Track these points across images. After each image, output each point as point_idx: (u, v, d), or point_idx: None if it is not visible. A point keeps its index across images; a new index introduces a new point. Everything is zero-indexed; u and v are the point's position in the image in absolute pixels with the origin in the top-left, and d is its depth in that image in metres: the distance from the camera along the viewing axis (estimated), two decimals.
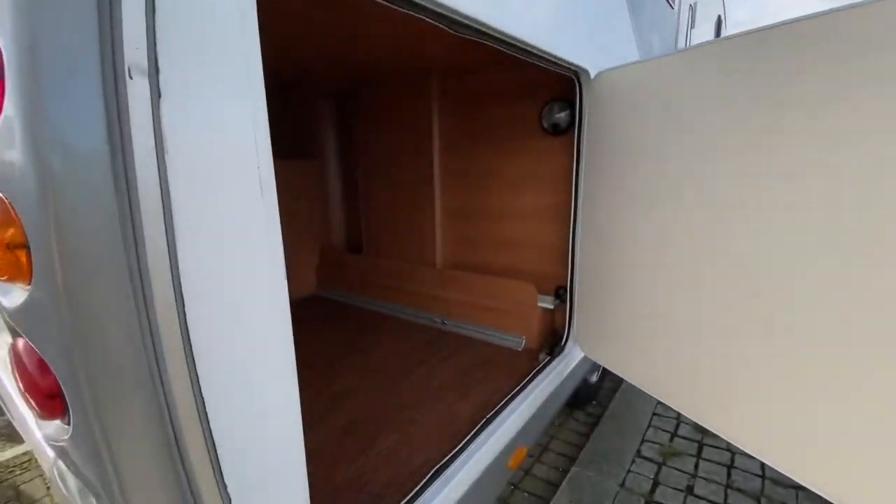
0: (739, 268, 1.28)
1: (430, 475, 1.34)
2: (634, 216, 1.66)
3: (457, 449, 1.47)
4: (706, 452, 2.49)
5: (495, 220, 2.53)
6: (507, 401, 1.73)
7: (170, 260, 0.60)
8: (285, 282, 0.75)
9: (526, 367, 2.08)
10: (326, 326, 2.65)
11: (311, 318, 2.81)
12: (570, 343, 2.13)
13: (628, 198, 1.69)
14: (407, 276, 2.78)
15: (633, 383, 1.81)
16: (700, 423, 1.55)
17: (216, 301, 0.66)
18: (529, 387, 1.84)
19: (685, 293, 1.48)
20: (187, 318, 0.62)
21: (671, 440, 2.62)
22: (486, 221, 2.57)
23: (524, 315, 2.28)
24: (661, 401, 1.70)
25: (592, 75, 1.81)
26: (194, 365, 0.64)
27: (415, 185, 2.67)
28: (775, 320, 1.21)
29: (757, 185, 1.22)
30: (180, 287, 0.61)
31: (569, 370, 2.08)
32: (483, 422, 1.59)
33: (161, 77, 0.57)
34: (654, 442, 2.61)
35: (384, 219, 2.91)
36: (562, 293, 2.25)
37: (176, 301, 0.61)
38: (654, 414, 2.87)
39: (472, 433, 1.54)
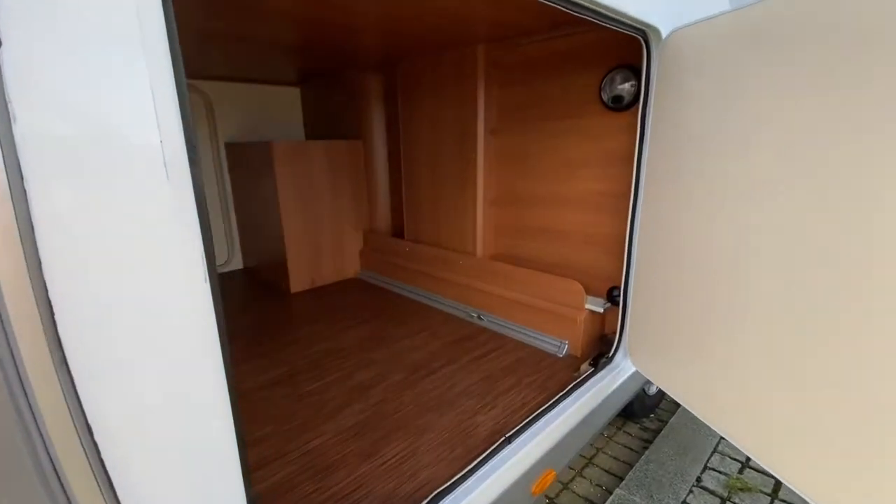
0: (865, 288, 0.95)
1: (430, 497, 1.19)
2: (712, 210, 1.34)
3: (468, 468, 1.30)
4: (784, 492, 2.10)
5: (544, 208, 2.26)
6: (535, 416, 1.52)
7: (26, 263, 0.47)
8: (206, 284, 0.61)
9: (565, 377, 1.83)
10: (360, 313, 2.58)
11: (346, 305, 2.75)
12: (619, 354, 1.85)
13: (704, 187, 1.36)
14: (446, 264, 2.61)
15: (693, 412, 1.50)
16: (776, 476, 1.23)
17: (98, 307, 0.52)
18: (564, 402, 1.61)
19: (775, 310, 1.15)
20: (58, 328, 0.50)
21: (741, 471, 2.25)
22: (534, 209, 2.30)
23: (569, 317, 2.02)
24: (728, 440, 1.39)
25: (664, 35, 1.47)
26: (72, 382, 0.51)
27: (456, 167, 2.47)
28: None
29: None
30: (46, 295, 0.48)
31: (615, 386, 1.81)
32: (502, 440, 1.39)
33: (0, 15, 0.43)
34: (718, 471, 2.25)
35: (425, 202, 2.75)
36: (616, 295, 1.95)
37: (40, 313, 0.48)
38: (722, 437, 2.49)
39: (488, 451, 1.35)
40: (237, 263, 3.52)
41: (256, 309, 2.67)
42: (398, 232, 3.14)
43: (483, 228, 2.47)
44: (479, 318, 2.38)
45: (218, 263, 3.40)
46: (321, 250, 3.04)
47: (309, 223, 2.94)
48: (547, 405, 1.57)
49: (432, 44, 2.21)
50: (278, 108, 3.54)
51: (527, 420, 1.49)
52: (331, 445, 1.45)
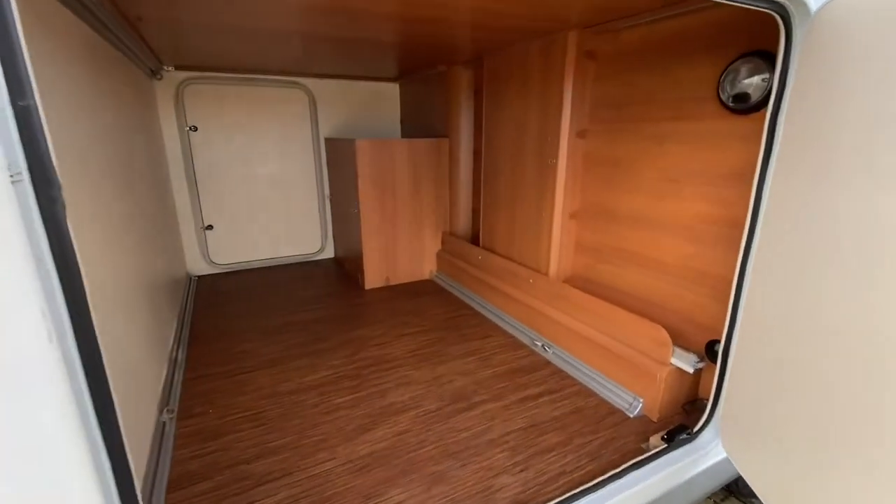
0: None
1: None
2: (871, 263, 0.90)
3: None
4: None
5: (634, 229, 1.86)
6: (572, 496, 1.23)
7: None
8: (54, 344, 0.51)
9: (629, 447, 1.48)
10: (421, 320, 2.47)
11: (411, 308, 2.67)
12: (708, 431, 1.42)
13: (862, 229, 0.92)
14: (516, 280, 2.35)
15: None
16: None
17: None
18: (616, 484, 1.27)
19: None
20: None
21: None
22: (622, 228, 1.92)
23: (648, 370, 1.63)
24: None
25: (813, 9, 1.02)
26: None
27: (535, 171, 2.17)
28: None
29: None
30: None
31: (695, 472, 1.39)
32: None
33: None
34: None
35: (501, 208, 2.50)
36: (717, 350, 1.51)
37: None
38: None
39: None
40: (329, 252, 3.70)
41: (330, 302, 2.74)
42: (477, 237, 2.95)
43: (559, 244, 2.14)
44: (543, 348, 2.09)
45: (312, 251, 3.62)
46: (398, 249, 3.01)
47: (387, 221, 2.91)
48: (591, 484, 1.26)
49: (520, 31, 1.94)
50: (378, 104, 3.59)
51: (559, 499, 1.21)
52: (338, 474, 1.36)
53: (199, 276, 3.23)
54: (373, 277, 2.97)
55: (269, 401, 1.73)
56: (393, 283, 3.05)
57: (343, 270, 3.38)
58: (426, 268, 3.16)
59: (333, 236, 3.64)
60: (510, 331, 2.30)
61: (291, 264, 3.53)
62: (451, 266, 2.99)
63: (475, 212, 3.04)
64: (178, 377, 1.89)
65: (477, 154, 2.91)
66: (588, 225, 2.08)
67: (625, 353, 1.72)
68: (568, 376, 1.90)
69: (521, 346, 2.16)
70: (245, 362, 2.02)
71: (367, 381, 1.87)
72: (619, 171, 1.89)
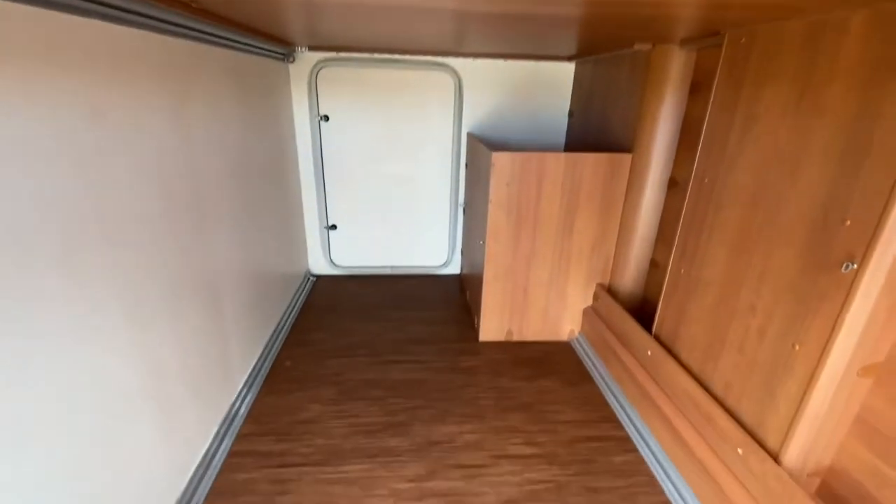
0: None
1: None
2: None
3: None
4: None
5: None
6: None
7: None
8: None
9: None
10: (537, 430, 1.71)
11: (530, 401, 1.91)
12: None
13: None
14: (707, 431, 1.38)
15: None
16: None
17: None
18: None
19: None
20: None
21: None
22: None
23: None
24: None
25: None
26: None
27: (799, 271, 1.13)
28: None
29: None
30: None
31: None
32: None
33: None
34: None
35: (706, 289, 1.50)
36: None
37: None
38: None
39: None
40: (454, 268, 3.13)
41: (432, 352, 2.19)
42: (650, 308, 1.98)
43: (822, 413, 1.10)
44: None
45: (435, 264, 3.10)
46: (530, 298, 2.24)
47: (521, 261, 2.15)
48: None
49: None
50: (542, 90, 2.73)
51: None
52: None
53: (318, 277, 3.03)
54: (491, 329, 2.29)
55: None
56: (517, 339, 2.33)
57: (463, 297, 2.78)
58: (565, 326, 2.32)
59: (462, 251, 3.05)
60: None
61: (412, 276, 3.08)
62: (600, 338, 2.10)
63: (655, 266, 2.05)
64: (225, 447, 1.57)
65: (675, 185, 1.89)
66: None
67: None
68: None
69: None
70: (301, 444, 1.60)
71: None
72: None
